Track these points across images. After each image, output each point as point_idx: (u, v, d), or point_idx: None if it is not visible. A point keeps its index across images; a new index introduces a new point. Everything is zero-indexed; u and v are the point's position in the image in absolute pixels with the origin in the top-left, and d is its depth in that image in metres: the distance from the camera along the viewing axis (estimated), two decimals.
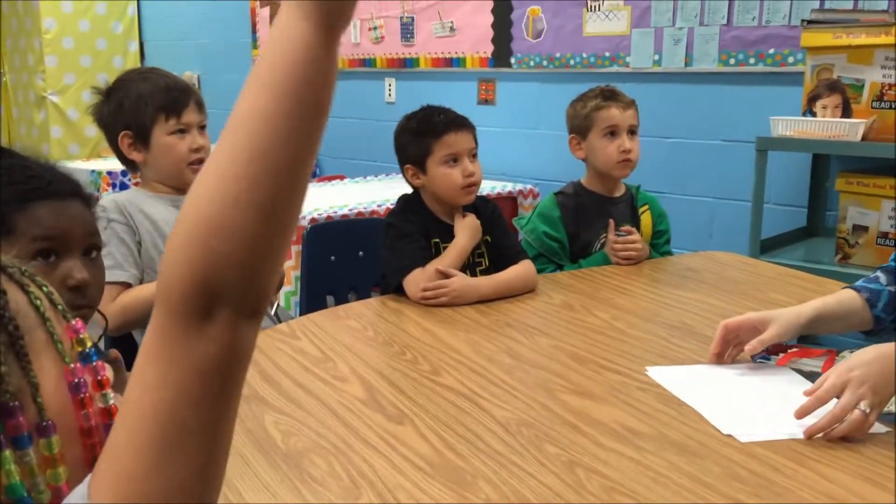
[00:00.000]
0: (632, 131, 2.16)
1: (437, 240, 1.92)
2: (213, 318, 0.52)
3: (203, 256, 0.51)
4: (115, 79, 1.91)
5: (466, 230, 1.92)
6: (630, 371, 1.40)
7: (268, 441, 1.15)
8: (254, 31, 5.26)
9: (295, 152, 0.53)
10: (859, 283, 1.43)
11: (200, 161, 1.86)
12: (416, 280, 1.81)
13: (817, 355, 1.41)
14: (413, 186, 1.99)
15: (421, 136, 1.92)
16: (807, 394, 1.15)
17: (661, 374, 1.37)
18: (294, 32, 0.53)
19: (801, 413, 1.13)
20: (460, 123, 1.94)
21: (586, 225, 2.18)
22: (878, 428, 1.15)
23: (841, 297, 1.40)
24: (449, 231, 1.94)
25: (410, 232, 1.89)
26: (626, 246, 2.11)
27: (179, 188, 1.86)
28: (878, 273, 1.43)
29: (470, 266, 1.94)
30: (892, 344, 1.14)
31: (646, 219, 2.25)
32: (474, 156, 1.95)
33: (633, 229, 2.15)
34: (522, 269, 1.92)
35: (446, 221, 1.95)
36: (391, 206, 2.08)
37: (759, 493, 0.99)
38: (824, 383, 1.14)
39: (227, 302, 0.52)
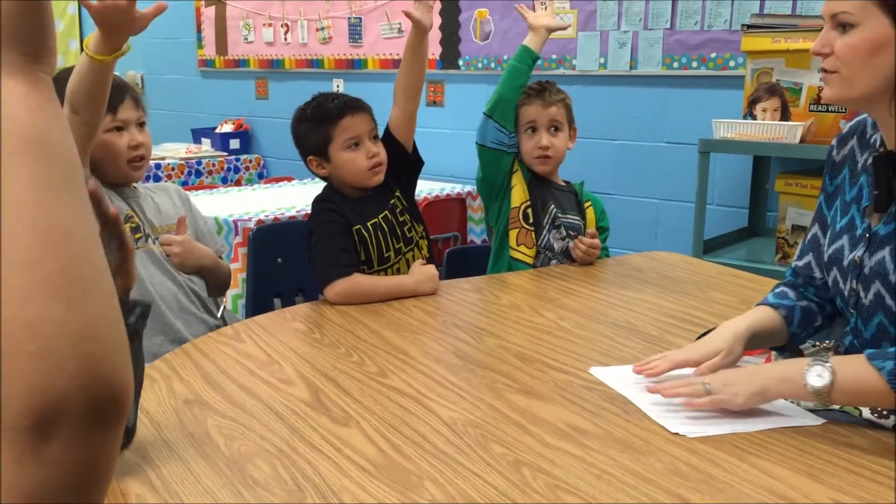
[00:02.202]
0: (555, 128, 2.17)
1: (359, 226, 1.91)
2: (51, 438, 0.43)
3: (23, 368, 0.43)
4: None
5: (419, 275, 1.90)
6: (576, 370, 1.41)
7: (210, 445, 1.13)
8: (198, 30, 5.18)
9: (63, 218, 0.46)
10: (771, 299, 1.42)
11: (140, 158, 1.83)
12: (337, 290, 1.81)
13: (757, 354, 1.45)
14: (319, 177, 1.97)
15: (318, 124, 1.91)
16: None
17: (605, 374, 1.38)
18: (3, 93, 0.46)
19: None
20: (356, 106, 1.92)
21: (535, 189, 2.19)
22: (815, 420, 1.18)
23: (766, 316, 1.39)
24: (367, 209, 1.93)
25: (329, 236, 1.87)
26: (590, 250, 2.14)
27: (119, 184, 1.84)
28: (785, 289, 1.44)
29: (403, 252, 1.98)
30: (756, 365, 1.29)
31: (590, 214, 2.28)
32: (375, 137, 1.94)
33: (597, 233, 2.18)
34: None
35: (362, 201, 1.94)
36: None
37: (700, 488, 1.01)
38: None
39: (69, 412, 0.43)
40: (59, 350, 0.43)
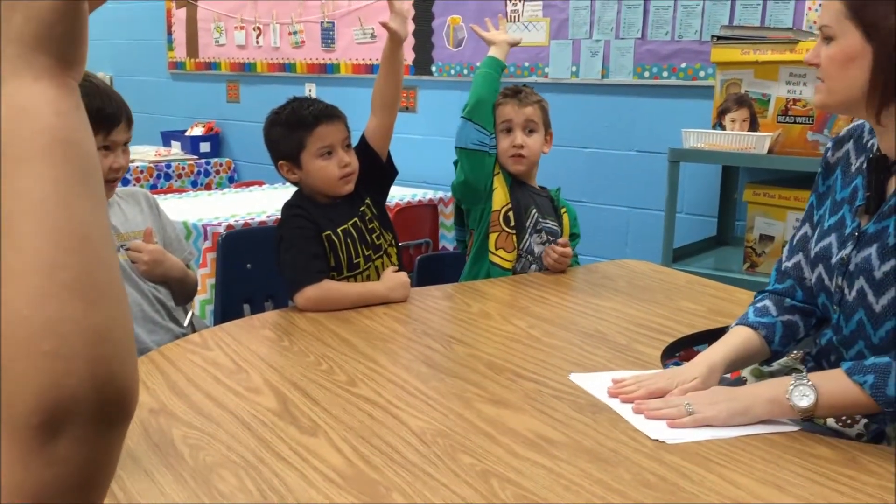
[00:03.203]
0: (531, 129, 2.18)
1: (329, 232, 1.90)
2: (58, 437, 0.43)
3: (36, 366, 0.43)
4: None
5: (390, 282, 1.89)
6: (545, 379, 1.41)
7: (175, 456, 1.11)
8: (169, 32, 5.13)
9: (83, 221, 0.47)
10: (751, 317, 1.42)
11: (115, 181, 1.79)
12: (307, 296, 1.80)
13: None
14: (290, 182, 1.96)
15: (292, 129, 1.89)
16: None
17: (584, 381, 1.39)
18: (32, 95, 0.47)
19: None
20: (331, 114, 1.92)
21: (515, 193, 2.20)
22: (791, 426, 1.19)
23: (744, 341, 1.39)
24: (336, 215, 1.92)
25: (300, 242, 1.86)
26: (561, 258, 2.14)
27: None
28: (767, 303, 1.44)
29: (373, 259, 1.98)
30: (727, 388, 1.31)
31: (565, 220, 2.29)
32: (348, 145, 1.94)
33: (568, 242, 2.19)
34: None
35: (332, 207, 1.93)
36: None
37: (666, 498, 1.01)
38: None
39: (77, 412, 0.44)
40: (75, 350, 0.44)
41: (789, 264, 1.44)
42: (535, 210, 2.20)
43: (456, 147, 2.17)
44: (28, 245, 0.45)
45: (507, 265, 2.16)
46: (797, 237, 1.45)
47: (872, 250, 1.24)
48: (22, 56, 0.47)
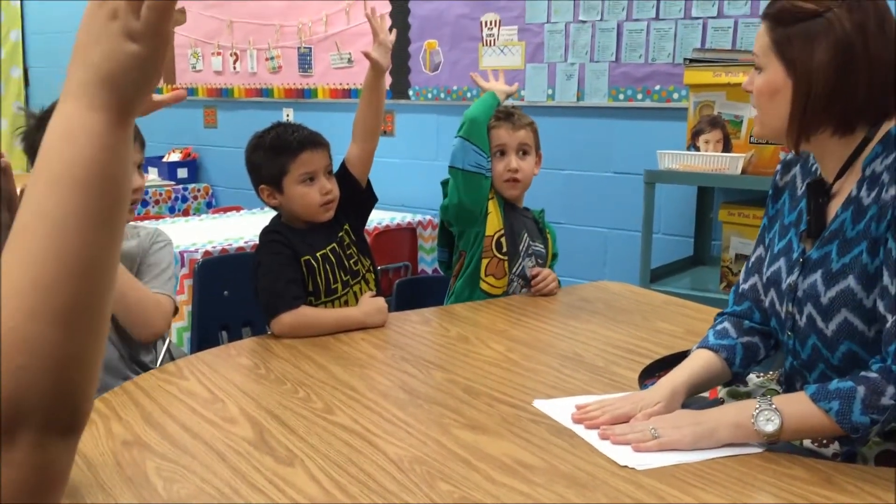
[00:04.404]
0: (524, 151, 2.19)
1: (308, 257, 1.90)
2: (14, 441, 0.46)
3: (7, 376, 0.46)
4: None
5: (367, 307, 1.89)
6: (523, 403, 1.41)
7: (148, 489, 1.10)
8: None
9: (94, 252, 0.49)
10: (711, 339, 1.42)
11: (135, 202, 1.76)
12: (284, 322, 1.79)
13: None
14: (270, 206, 1.96)
15: (276, 154, 1.90)
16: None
17: (549, 407, 1.38)
18: (83, 123, 0.49)
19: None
20: (315, 141, 1.92)
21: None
22: (756, 448, 1.20)
23: (705, 364, 1.39)
24: (315, 240, 1.92)
25: (277, 268, 1.85)
26: (545, 284, 2.15)
27: None
28: (726, 325, 1.44)
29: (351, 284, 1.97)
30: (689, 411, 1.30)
31: (549, 241, 2.30)
32: (330, 172, 1.94)
33: (540, 270, 2.18)
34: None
35: (311, 233, 1.93)
36: None
37: None
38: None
39: (31, 422, 0.47)
40: (45, 369, 0.47)
41: (746, 286, 1.45)
42: (526, 234, 2.20)
43: (450, 167, 2.13)
44: (31, 263, 0.47)
45: (497, 292, 2.16)
46: (752, 259, 1.46)
47: (818, 276, 1.26)
48: (88, 84, 0.50)
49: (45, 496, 0.49)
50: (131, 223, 1.83)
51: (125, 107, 0.51)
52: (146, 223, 3.67)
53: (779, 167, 1.44)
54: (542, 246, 2.24)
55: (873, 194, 1.21)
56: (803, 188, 1.34)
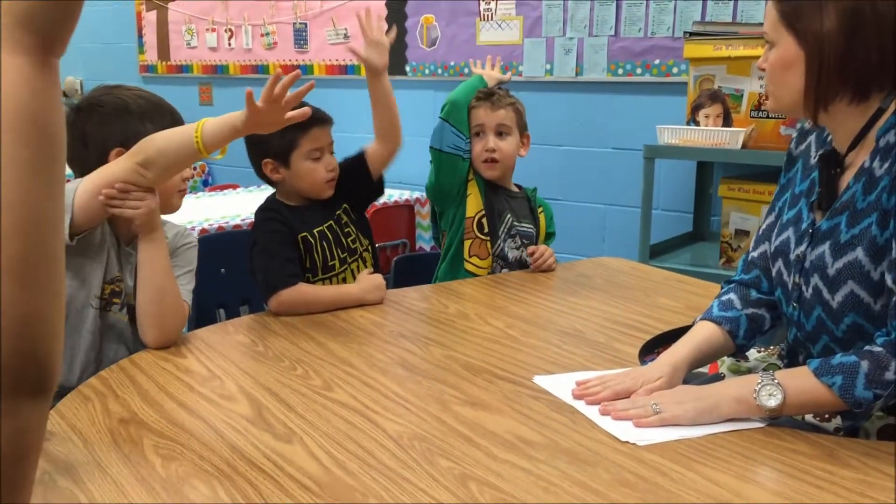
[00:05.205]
0: (503, 132, 2.17)
1: (305, 233, 1.88)
2: None
3: None
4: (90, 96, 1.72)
5: (365, 284, 1.87)
6: (523, 380, 1.40)
7: (146, 467, 1.09)
8: (140, 35, 5.07)
9: (36, 202, 0.47)
10: (715, 311, 1.41)
11: (182, 191, 1.72)
12: (282, 300, 1.78)
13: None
14: (270, 181, 1.93)
15: (286, 128, 1.87)
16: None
17: (549, 383, 1.37)
18: (6, 68, 0.47)
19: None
20: (324, 118, 1.91)
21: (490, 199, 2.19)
22: (758, 423, 1.19)
23: (708, 337, 1.38)
24: (312, 218, 1.91)
25: (274, 246, 1.84)
26: (543, 259, 2.14)
27: (129, 241, 1.68)
28: (731, 296, 1.43)
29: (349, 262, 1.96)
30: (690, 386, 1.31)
31: (542, 220, 2.28)
32: (332, 150, 1.94)
33: (535, 248, 2.17)
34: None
35: (307, 210, 1.92)
36: None
37: (646, 497, 1.00)
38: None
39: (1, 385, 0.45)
40: (6, 328, 0.45)
41: (755, 254, 1.44)
42: (509, 215, 2.18)
43: (430, 147, 2.15)
44: None
45: (482, 272, 2.15)
46: (763, 227, 1.44)
47: (826, 247, 1.24)
48: (6, 28, 0.47)
49: (19, 465, 0.47)
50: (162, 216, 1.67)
51: (48, 47, 0.49)
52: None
53: (795, 135, 1.43)
54: (530, 226, 2.22)
55: (886, 165, 1.19)
56: (817, 158, 1.33)
